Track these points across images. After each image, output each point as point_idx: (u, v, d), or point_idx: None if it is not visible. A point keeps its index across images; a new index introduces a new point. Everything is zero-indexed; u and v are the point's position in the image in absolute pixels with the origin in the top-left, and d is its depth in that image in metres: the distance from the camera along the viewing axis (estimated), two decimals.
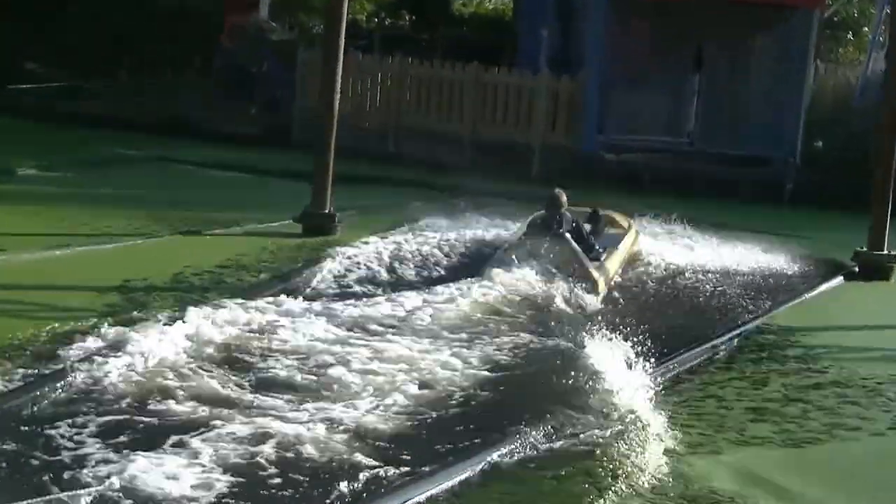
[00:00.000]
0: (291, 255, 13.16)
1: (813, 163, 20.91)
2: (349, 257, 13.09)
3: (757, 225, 17.94)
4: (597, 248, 12.95)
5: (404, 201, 17.84)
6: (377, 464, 6.99)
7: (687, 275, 13.89)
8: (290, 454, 7.08)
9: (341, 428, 7.53)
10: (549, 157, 21.58)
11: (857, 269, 14.81)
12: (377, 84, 23.57)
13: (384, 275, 12.67)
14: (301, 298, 10.79)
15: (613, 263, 13.12)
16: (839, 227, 17.95)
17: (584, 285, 12.01)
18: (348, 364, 8.93)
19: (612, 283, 12.83)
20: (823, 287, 13.81)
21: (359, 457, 7.09)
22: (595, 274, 12.29)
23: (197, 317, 9.55)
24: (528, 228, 13.14)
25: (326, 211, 14.70)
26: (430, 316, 10.67)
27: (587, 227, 13.26)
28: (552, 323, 10.80)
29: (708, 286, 13.32)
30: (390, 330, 10.08)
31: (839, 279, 14.37)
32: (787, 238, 17.03)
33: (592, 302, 11.82)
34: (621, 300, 12.18)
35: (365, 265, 12.89)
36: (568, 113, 22.08)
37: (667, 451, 7.61)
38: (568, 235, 12.47)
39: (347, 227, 14.66)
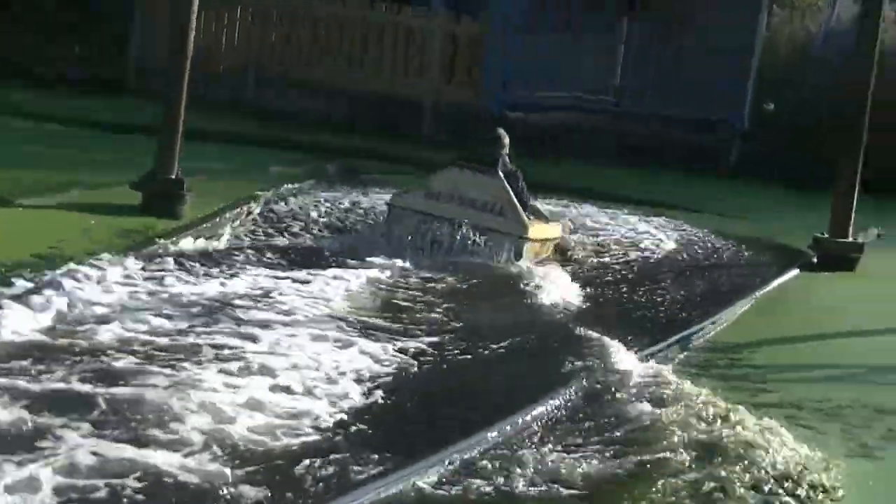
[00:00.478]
0: (128, 235, 12.64)
1: (762, 126, 20.95)
2: (198, 234, 12.80)
3: (694, 202, 17.92)
4: (527, 211, 13.49)
5: (265, 163, 17.62)
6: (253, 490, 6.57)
7: (606, 269, 13.79)
8: (150, 481, 6.53)
9: (213, 447, 7.06)
10: (444, 115, 21.44)
11: (815, 259, 14.75)
12: (236, 20, 23.21)
13: (243, 255, 12.34)
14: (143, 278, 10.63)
15: (538, 230, 13.44)
16: (792, 206, 18.01)
17: (511, 228, 13.01)
18: (207, 359, 8.58)
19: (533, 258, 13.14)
20: (776, 282, 13.60)
21: (230, 478, 6.66)
22: (525, 218, 13.13)
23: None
24: (459, 161, 13.74)
25: (173, 176, 14.23)
26: (304, 297, 10.66)
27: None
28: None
29: (632, 282, 13.17)
30: (253, 319, 9.73)
31: (794, 272, 14.22)
32: (731, 219, 17.01)
33: (523, 249, 12.93)
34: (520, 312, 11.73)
35: (215, 245, 12.59)
36: (468, 62, 21.92)
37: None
38: (502, 174, 13.29)
39: (196, 196, 14.23)
